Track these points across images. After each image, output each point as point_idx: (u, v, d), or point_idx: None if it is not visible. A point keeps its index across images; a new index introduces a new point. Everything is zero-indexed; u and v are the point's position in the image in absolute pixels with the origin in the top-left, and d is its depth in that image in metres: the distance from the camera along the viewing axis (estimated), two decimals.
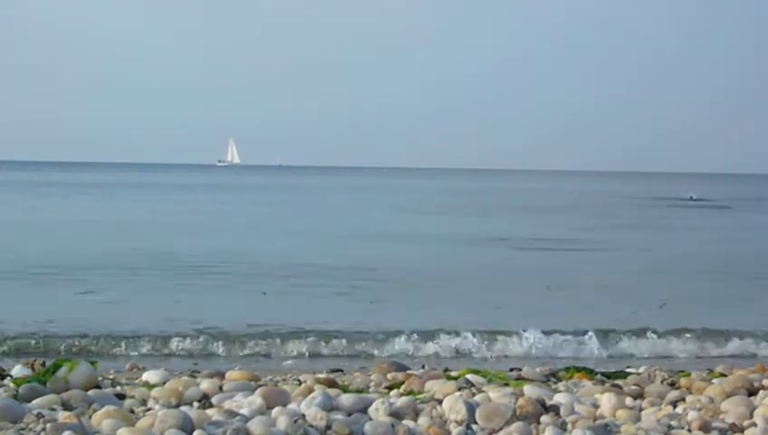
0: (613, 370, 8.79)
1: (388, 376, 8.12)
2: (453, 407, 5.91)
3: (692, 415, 5.94)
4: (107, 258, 19.89)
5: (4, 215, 35.13)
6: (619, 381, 7.62)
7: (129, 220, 33.28)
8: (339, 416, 5.82)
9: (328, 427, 5.58)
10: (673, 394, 6.77)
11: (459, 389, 6.84)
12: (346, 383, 7.74)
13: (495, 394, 6.40)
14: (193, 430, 5.34)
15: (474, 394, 6.65)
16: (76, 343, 11.36)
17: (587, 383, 7.65)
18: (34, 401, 6.14)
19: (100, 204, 45.64)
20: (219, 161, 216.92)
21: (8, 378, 7.41)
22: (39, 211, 38.31)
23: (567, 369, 8.37)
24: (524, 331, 11.98)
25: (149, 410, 6.15)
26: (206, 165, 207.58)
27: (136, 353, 11.09)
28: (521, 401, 5.98)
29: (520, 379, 7.94)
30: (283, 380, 8.24)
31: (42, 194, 54.82)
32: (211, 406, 6.21)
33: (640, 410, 6.38)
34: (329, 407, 5.94)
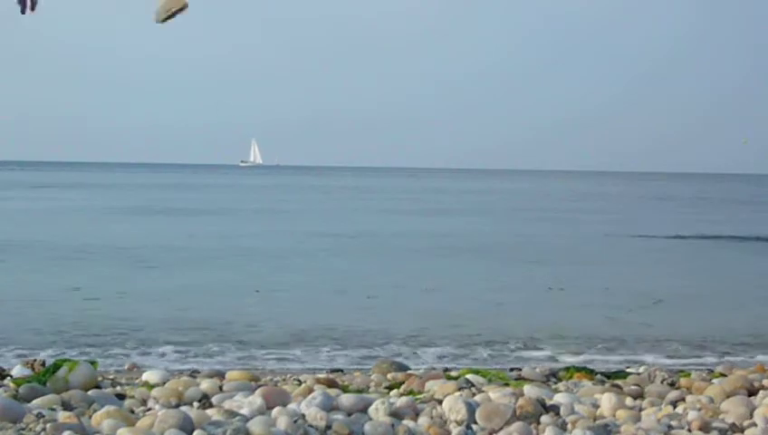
0: (614, 370, 8.79)
1: (388, 376, 8.13)
2: (453, 407, 5.90)
3: (692, 415, 5.94)
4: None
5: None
6: (619, 382, 7.62)
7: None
8: (339, 416, 5.81)
9: (328, 427, 5.58)
10: (673, 394, 6.77)
11: (459, 389, 6.84)
12: (346, 383, 7.74)
13: (495, 394, 6.40)
14: (193, 430, 5.34)
15: (474, 394, 6.64)
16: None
17: (587, 383, 7.65)
18: (34, 401, 6.14)
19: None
20: (242, 162, 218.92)
21: (8, 378, 7.40)
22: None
23: (567, 369, 8.37)
24: None
25: (149, 410, 6.15)
26: (229, 165, 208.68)
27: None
28: (521, 401, 5.97)
29: (520, 379, 7.95)
30: (283, 380, 8.24)
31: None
32: (211, 406, 6.21)
33: (640, 410, 6.37)
34: (329, 407, 5.94)
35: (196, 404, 6.35)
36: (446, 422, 5.84)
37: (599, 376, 8.15)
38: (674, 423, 5.87)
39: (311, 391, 6.70)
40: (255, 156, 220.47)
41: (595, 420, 6.06)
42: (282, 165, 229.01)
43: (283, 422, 5.49)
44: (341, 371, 9.18)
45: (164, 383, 7.20)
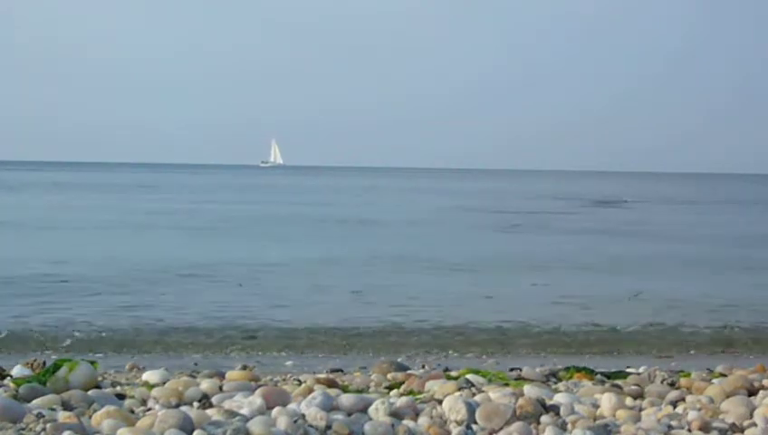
0: (613, 370, 8.79)
1: (388, 376, 8.12)
2: (453, 407, 5.90)
3: (692, 415, 5.94)
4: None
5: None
6: (619, 381, 7.62)
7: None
8: (339, 416, 5.81)
9: (328, 427, 5.57)
10: (673, 394, 6.76)
11: (459, 389, 6.84)
12: (346, 383, 7.74)
13: (495, 394, 6.40)
14: (193, 430, 5.34)
15: (474, 394, 6.64)
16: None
17: (587, 383, 7.65)
18: (34, 401, 6.13)
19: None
20: (263, 162, 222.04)
21: (8, 378, 7.40)
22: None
23: (567, 369, 8.37)
24: None
25: (149, 410, 6.15)
26: (249, 166, 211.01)
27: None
28: (521, 401, 5.97)
29: (520, 379, 7.94)
30: (283, 380, 8.24)
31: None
32: (211, 406, 6.20)
33: (640, 410, 6.37)
34: (329, 407, 5.94)
35: (196, 404, 6.34)
36: (446, 422, 5.83)
37: (599, 376, 8.15)
38: (674, 423, 5.87)
39: (311, 391, 6.70)
40: (276, 156, 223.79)
41: (595, 420, 6.06)
42: (285, 165, 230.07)
43: (283, 422, 5.49)
44: (341, 371, 9.17)
45: (164, 383, 7.19)
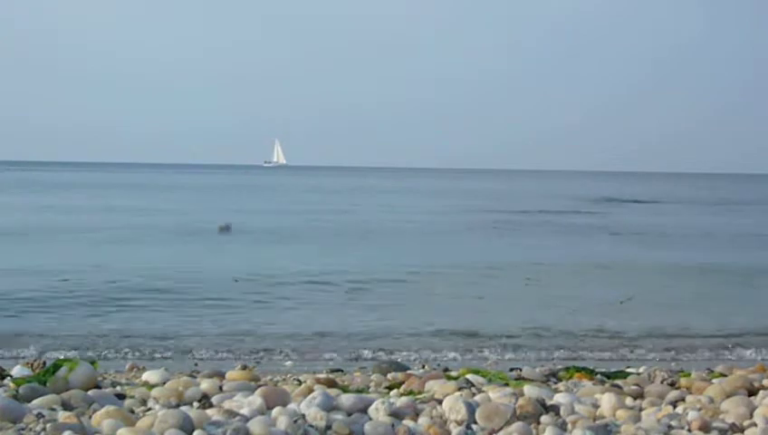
0: (613, 370, 8.79)
1: (388, 376, 8.12)
2: (453, 407, 5.90)
3: (692, 415, 5.93)
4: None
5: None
6: (618, 381, 7.62)
7: None
8: (339, 416, 5.81)
9: (328, 427, 5.57)
10: (673, 394, 6.76)
11: (459, 389, 6.83)
12: (346, 383, 7.74)
13: (495, 394, 6.39)
14: (193, 430, 5.33)
15: (474, 394, 6.63)
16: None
17: (587, 383, 7.64)
18: (34, 401, 6.13)
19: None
20: (266, 162, 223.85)
21: (8, 378, 7.40)
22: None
23: (567, 369, 8.37)
24: None
25: (149, 410, 6.15)
26: (253, 166, 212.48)
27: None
28: (521, 401, 5.97)
29: (520, 379, 7.94)
30: (283, 380, 8.23)
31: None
32: (211, 406, 6.20)
33: (640, 410, 6.37)
34: (329, 407, 5.93)
35: (196, 404, 6.34)
36: (446, 422, 5.83)
37: (599, 376, 8.15)
38: (674, 423, 5.86)
39: (311, 391, 6.70)
40: (279, 156, 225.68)
41: (595, 420, 6.05)
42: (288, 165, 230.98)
43: (283, 422, 5.49)
44: (341, 371, 9.17)
45: (164, 383, 7.19)
